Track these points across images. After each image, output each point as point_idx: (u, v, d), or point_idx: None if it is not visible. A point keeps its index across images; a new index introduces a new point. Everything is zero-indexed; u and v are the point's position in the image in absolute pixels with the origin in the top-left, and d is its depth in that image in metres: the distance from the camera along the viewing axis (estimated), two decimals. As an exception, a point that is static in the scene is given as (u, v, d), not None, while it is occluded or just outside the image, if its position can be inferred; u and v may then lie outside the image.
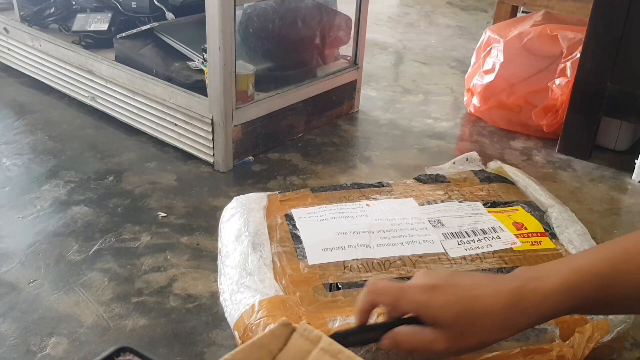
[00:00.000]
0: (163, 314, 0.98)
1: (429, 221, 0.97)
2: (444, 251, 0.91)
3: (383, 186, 1.08)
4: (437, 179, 1.11)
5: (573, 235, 0.98)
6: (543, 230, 0.98)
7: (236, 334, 0.80)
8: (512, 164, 1.52)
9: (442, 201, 1.03)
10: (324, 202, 1.01)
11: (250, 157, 1.47)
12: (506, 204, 1.04)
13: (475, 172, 1.15)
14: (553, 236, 0.97)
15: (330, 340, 0.44)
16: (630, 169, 1.49)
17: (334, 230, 0.93)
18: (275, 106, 1.49)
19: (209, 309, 0.99)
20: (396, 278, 0.84)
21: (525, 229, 0.97)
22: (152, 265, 1.09)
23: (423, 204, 1.02)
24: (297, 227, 0.94)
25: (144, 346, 0.91)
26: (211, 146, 1.40)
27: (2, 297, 1.00)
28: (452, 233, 0.95)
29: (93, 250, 1.12)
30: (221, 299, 0.88)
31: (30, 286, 1.03)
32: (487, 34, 1.76)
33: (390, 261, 0.88)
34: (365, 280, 0.84)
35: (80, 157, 1.45)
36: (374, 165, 1.49)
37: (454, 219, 0.98)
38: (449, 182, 1.11)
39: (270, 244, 0.91)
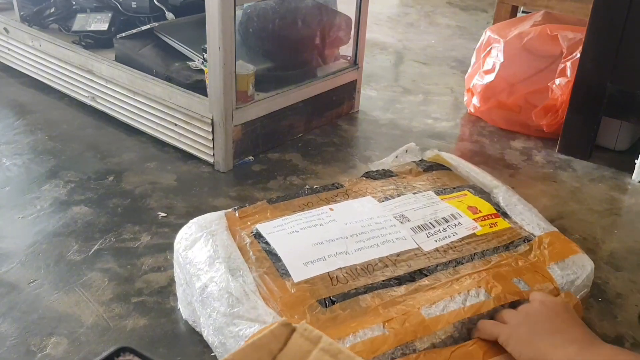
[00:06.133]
0: (163, 314, 0.98)
1: (395, 217, 0.97)
2: (417, 246, 0.92)
3: (337, 188, 1.07)
4: (386, 174, 1.13)
5: (523, 212, 1.02)
6: (495, 211, 1.01)
7: None
8: (512, 164, 1.52)
9: (398, 195, 1.04)
10: (285, 213, 0.98)
11: (251, 157, 1.47)
12: (454, 189, 1.07)
13: (417, 163, 1.17)
14: (505, 215, 1.01)
15: (331, 340, 0.44)
16: (630, 169, 1.49)
17: (309, 241, 0.90)
18: (275, 106, 1.49)
19: (209, 309, 0.99)
20: (383, 281, 0.84)
21: (480, 212, 1.00)
22: (152, 265, 1.09)
23: (382, 201, 1.03)
24: (270, 243, 0.90)
25: (144, 346, 0.91)
26: (211, 146, 1.40)
27: (2, 297, 1.00)
28: (418, 226, 0.96)
29: (93, 250, 1.12)
30: (204, 334, 0.84)
31: (30, 286, 1.03)
32: (487, 34, 1.76)
33: (372, 265, 0.87)
34: (356, 289, 0.82)
35: (80, 157, 1.45)
36: (374, 165, 1.49)
37: (416, 212, 0.99)
38: (397, 175, 1.13)
39: (247, 266, 0.86)
